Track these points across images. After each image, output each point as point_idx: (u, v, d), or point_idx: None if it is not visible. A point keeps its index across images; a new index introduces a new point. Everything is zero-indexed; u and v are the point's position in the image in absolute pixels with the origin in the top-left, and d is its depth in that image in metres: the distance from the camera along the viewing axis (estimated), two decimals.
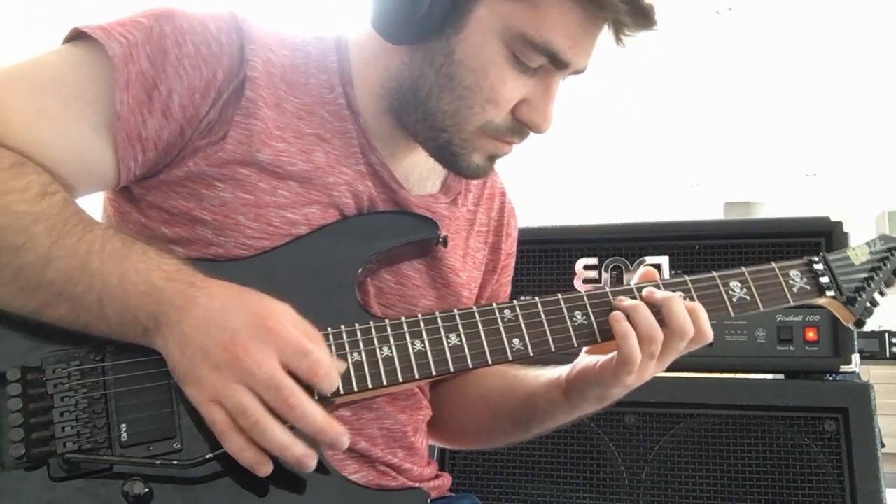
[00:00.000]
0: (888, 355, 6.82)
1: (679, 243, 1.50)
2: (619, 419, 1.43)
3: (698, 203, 8.53)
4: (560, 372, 0.96)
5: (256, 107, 0.84)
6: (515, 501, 1.44)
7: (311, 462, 0.72)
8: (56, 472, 0.71)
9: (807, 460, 1.34)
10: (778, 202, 8.28)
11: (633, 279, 0.92)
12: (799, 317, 1.40)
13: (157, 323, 0.73)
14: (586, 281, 1.53)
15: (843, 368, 1.37)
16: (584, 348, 0.93)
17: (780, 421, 1.36)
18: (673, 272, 1.49)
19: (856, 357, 1.37)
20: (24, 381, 0.73)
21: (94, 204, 0.90)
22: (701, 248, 1.49)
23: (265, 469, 0.71)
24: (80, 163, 0.80)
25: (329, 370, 0.72)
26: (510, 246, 1.13)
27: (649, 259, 1.51)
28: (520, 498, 1.44)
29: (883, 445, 1.37)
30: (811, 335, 1.39)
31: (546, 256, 1.55)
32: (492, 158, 0.92)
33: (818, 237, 1.43)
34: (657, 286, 0.89)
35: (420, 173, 0.98)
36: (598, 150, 6.80)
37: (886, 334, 6.89)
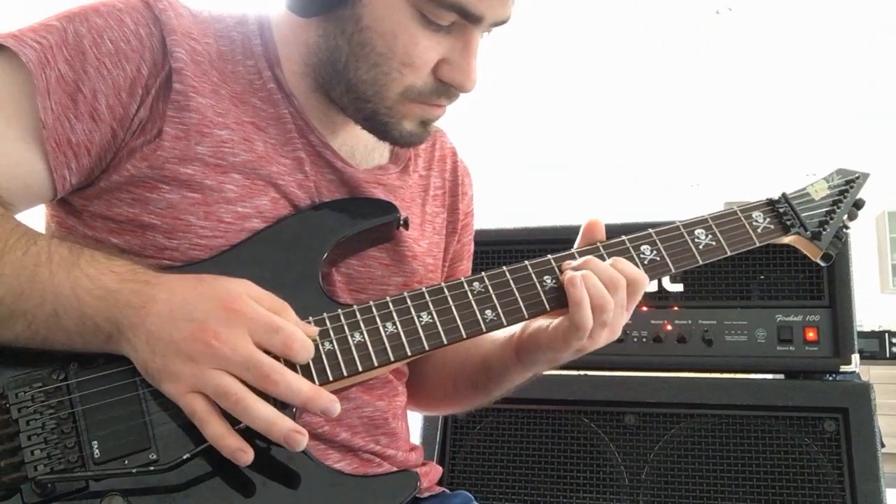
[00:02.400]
0: (888, 355, 6.81)
1: None
2: (619, 419, 1.43)
3: (698, 203, 8.53)
4: (512, 332, 0.95)
5: (188, 98, 0.81)
6: (515, 501, 1.44)
7: (302, 439, 0.69)
8: (30, 497, 0.69)
9: (807, 460, 1.34)
10: None
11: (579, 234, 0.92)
12: (799, 317, 1.40)
13: (118, 327, 0.72)
14: None
15: (843, 368, 1.37)
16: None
17: (780, 421, 1.36)
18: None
19: (856, 357, 1.37)
20: None
21: (37, 222, 0.87)
22: None
23: (247, 457, 0.70)
24: (13, 177, 0.77)
25: (303, 341, 0.72)
26: (467, 205, 1.11)
27: None
28: (519, 497, 1.44)
29: (883, 445, 1.37)
30: (811, 335, 1.39)
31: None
32: (424, 124, 0.89)
33: None
34: (623, 242, 0.89)
35: (366, 146, 0.96)
36: (599, 149, 6.79)
37: (886, 334, 6.88)
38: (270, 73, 0.89)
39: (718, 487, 1.36)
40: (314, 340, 0.76)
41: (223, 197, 0.82)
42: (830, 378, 1.38)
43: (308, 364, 0.76)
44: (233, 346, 0.69)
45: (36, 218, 0.86)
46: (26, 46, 0.77)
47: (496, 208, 6.28)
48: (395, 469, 0.93)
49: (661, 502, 1.38)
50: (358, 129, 0.93)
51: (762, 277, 1.45)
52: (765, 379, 1.43)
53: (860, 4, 4.15)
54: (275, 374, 0.69)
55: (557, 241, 1.55)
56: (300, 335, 0.72)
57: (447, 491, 1.04)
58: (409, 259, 0.96)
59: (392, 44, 0.81)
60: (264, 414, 0.69)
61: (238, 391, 0.69)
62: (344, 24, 0.83)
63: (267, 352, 0.71)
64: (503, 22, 0.84)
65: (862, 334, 6.36)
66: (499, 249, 1.55)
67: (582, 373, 1.48)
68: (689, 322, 1.44)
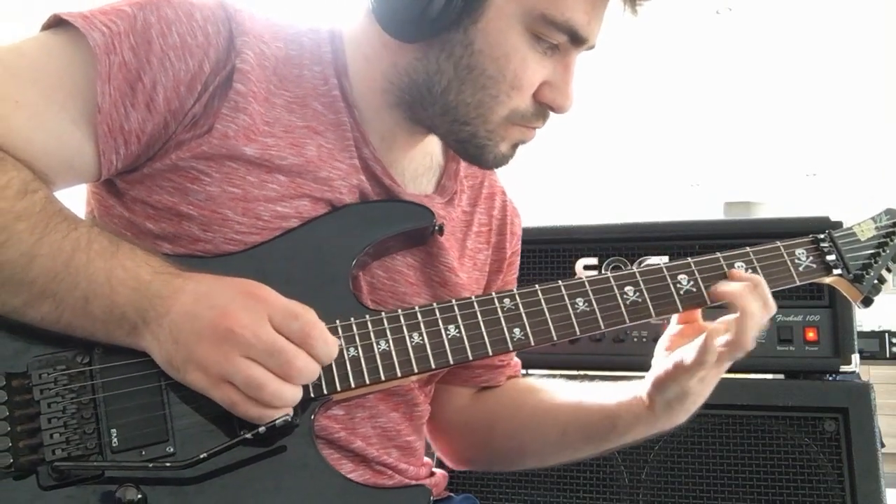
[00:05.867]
0: (888, 355, 6.83)
1: (679, 243, 1.50)
2: None
3: (698, 203, 8.53)
4: (638, 388, 0.95)
5: (246, 101, 0.82)
6: (515, 501, 1.44)
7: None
8: (45, 480, 0.70)
9: (807, 460, 1.34)
10: (778, 202, 8.27)
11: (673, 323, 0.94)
12: (799, 317, 1.40)
13: (145, 318, 0.72)
14: None
15: (843, 368, 1.37)
16: (663, 352, 0.93)
17: (780, 421, 1.36)
18: None
19: (856, 357, 1.37)
20: (9, 388, 0.71)
21: (78, 197, 0.89)
22: (701, 248, 1.49)
23: (289, 409, 0.73)
24: (60, 156, 0.78)
25: (323, 331, 0.73)
26: (515, 244, 1.12)
27: (649, 259, 1.50)
28: (520, 498, 1.44)
29: (883, 445, 1.37)
30: (811, 335, 1.38)
31: (546, 256, 1.55)
32: (515, 146, 0.90)
33: None
34: (661, 270, 0.88)
35: (415, 170, 0.96)
36: (599, 149, 6.80)
37: (886, 334, 6.90)
38: (336, 82, 0.89)
39: (718, 487, 1.36)
40: (339, 346, 0.76)
41: (264, 195, 0.82)
42: (830, 378, 1.38)
43: (331, 368, 0.77)
44: (255, 331, 0.70)
45: (76, 194, 0.87)
46: (95, 30, 0.77)
47: None
48: (406, 480, 0.92)
49: (661, 502, 1.38)
50: (412, 152, 0.94)
51: None
52: (765, 379, 1.43)
53: (859, 4, 4.15)
54: (298, 361, 0.71)
55: (557, 241, 1.56)
56: (320, 325, 0.73)
57: (453, 496, 1.04)
58: (438, 284, 0.95)
59: (504, 67, 0.83)
60: (295, 397, 0.73)
61: (271, 382, 0.71)
62: (452, 47, 0.83)
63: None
64: (593, 47, 0.87)
65: (862, 334, 6.36)
66: None
67: (582, 373, 1.48)
68: None
